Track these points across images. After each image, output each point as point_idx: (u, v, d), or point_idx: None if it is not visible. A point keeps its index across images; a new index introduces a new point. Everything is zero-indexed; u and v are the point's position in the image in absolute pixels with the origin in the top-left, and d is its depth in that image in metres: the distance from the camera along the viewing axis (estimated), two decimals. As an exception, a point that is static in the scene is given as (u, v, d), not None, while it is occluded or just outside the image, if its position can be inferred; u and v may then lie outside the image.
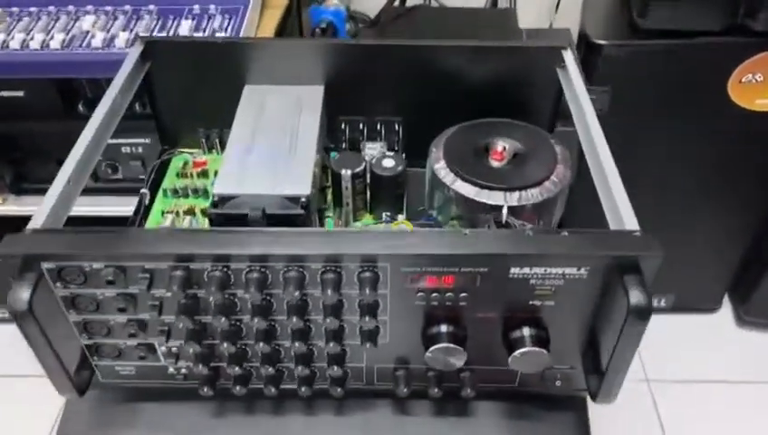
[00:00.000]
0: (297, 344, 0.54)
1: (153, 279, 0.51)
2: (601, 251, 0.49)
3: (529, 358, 0.53)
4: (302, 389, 0.58)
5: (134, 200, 1.09)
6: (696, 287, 1.43)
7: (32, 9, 1.05)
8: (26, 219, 0.52)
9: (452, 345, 0.53)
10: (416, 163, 0.76)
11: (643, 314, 0.48)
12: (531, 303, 0.53)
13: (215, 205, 0.61)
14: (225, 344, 0.54)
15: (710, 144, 1.15)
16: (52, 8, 1.05)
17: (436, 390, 0.58)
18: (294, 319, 0.52)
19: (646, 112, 1.11)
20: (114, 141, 1.05)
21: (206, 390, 0.58)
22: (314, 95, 0.76)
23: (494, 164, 0.67)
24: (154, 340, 0.56)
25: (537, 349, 0.53)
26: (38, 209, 0.53)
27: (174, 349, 0.57)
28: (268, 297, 0.53)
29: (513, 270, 0.50)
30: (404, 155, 0.79)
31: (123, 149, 1.08)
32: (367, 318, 0.51)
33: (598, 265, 0.50)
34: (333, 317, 0.52)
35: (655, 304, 1.45)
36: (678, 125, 1.12)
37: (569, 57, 0.71)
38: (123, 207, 1.09)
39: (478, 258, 0.50)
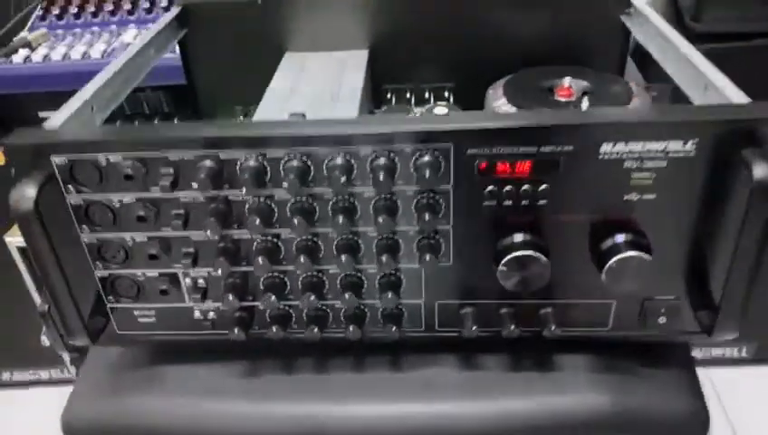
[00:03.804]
0: (344, 258, 0.45)
1: (178, 176, 0.44)
2: (715, 116, 0.41)
3: (628, 267, 0.43)
4: (351, 328, 0.48)
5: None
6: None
7: (76, 30, 1.05)
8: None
9: (530, 252, 0.44)
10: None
11: (771, 191, 0.39)
12: (626, 198, 0.43)
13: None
14: (260, 259, 0.45)
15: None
16: (95, 28, 1.05)
17: (512, 327, 0.47)
18: (341, 218, 0.43)
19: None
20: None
21: (237, 331, 0.48)
22: (358, 60, 0.71)
23: (563, 101, 0.59)
24: (178, 268, 0.48)
25: (637, 253, 0.43)
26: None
27: (201, 281, 0.49)
28: (310, 199, 0.45)
29: (604, 148, 0.41)
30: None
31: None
32: (427, 216, 0.43)
33: (710, 136, 0.41)
34: (386, 216, 0.43)
35: (735, 354, 1.30)
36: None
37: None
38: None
39: (563, 131, 0.41)
